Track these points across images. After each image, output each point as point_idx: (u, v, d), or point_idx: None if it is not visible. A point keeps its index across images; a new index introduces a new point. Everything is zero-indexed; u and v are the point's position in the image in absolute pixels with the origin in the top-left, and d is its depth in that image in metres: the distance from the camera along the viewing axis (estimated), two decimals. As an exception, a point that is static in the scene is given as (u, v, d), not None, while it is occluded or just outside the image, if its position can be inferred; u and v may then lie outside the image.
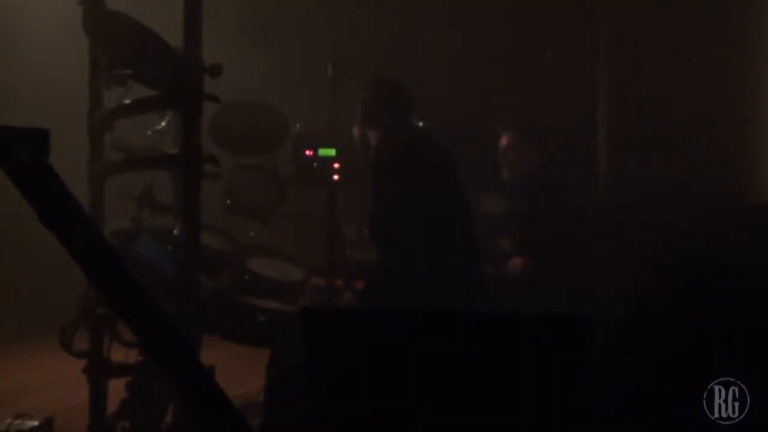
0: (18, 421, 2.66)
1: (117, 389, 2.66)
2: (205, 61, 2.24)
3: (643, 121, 4.18)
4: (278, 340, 2.57)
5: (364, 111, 3.02)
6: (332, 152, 3.54)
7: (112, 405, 2.64)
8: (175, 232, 2.74)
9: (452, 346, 1.43)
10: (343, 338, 1.48)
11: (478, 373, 1.42)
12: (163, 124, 3.06)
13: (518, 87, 4.60)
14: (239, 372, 3.38)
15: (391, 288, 2.56)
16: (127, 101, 2.51)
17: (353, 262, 3.59)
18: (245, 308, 2.70)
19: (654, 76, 4.15)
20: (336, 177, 3.56)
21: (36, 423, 2.66)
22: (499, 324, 1.47)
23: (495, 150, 3.66)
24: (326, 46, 4.78)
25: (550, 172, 3.46)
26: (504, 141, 3.60)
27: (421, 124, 3.77)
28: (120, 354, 2.64)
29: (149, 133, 3.06)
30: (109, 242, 1.33)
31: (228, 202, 3.29)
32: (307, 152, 3.60)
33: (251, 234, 3.42)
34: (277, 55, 4.95)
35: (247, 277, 2.91)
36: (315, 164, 3.60)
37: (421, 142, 2.92)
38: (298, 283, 3.07)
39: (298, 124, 3.71)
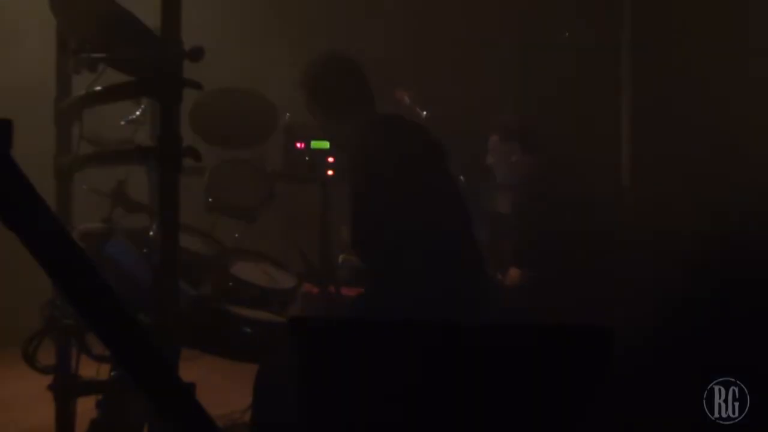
0: (-24, 444, 2.66)
1: (86, 408, 2.65)
2: (185, 44, 2.24)
3: (672, 115, 4.19)
4: (266, 354, 2.57)
5: (319, 99, 2.77)
6: (326, 145, 3.54)
7: (81, 426, 2.64)
8: (151, 233, 2.74)
9: (459, 361, 1.44)
10: (338, 352, 1.48)
11: (486, 389, 1.43)
12: (138, 113, 3.06)
13: (532, 72, 4.60)
14: (222, 389, 3.38)
15: (387, 299, 2.53)
16: (99, 88, 2.51)
17: (350, 267, 3.60)
18: (229, 318, 2.70)
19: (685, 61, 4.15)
20: (330, 172, 3.56)
21: (-4, 446, 2.66)
22: (510, 337, 1.48)
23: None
24: (320, 26, 4.80)
25: (543, 176, 3.46)
26: (490, 142, 3.63)
27: (424, 113, 3.78)
28: (90, 369, 2.64)
29: (123, 123, 3.06)
30: (77, 245, 1.33)
31: (210, 200, 3.29)
32: (299, 144, 3.61)
33: (236, 236, 3.43)
34: (266, 37, 4.96)
35: (231, 283, 2.91)
36: (307, 158, 3.60)
37: (397, 130, 2.73)
38: (288, 291, 3.07)
39: (288, 114, 3.72)
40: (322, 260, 3.42)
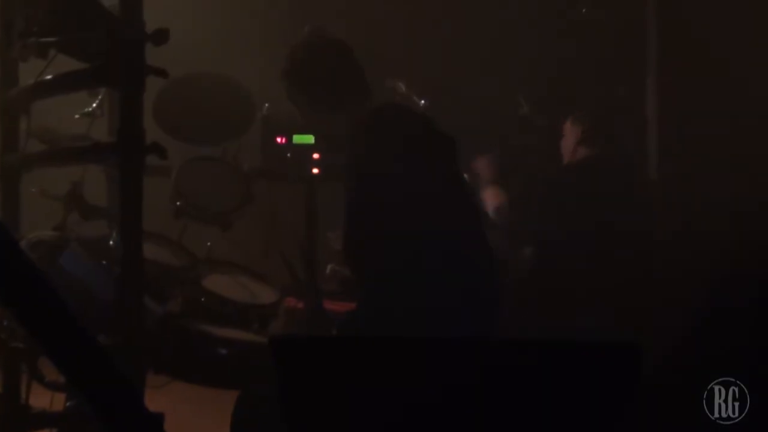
0: None
1: (38, 444, 2.65)
2: (147, 25, 2.24)
3: (703, 96, 4.21)
4: (244, 380, 2.57)
5: (306, 87, 2.70)
6: (310, 139, 3.55)
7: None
8: (112, 242, 2.74)
9: (465, 382, 1.44)
10: (329, 376, 1.48)
11: (502, 411, 1.43)
12: (94, 105, 3.07)
13: (542, 55, 4.62)
14: (194, 419, 3.38)
15: (386, 314, 2.53)
16: (49, 76, 2.51)
17: (338, 279, 3.59)
18: (201, 339, 2.70)
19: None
20: (315, 170, 3.56)
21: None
22: (523, 354, 1.48)
23: (521, 137, 3.70)
24: (302, 5, 4.80)
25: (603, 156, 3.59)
26: (565, 125, 3.74)
27: (422, 102, 3.78)
28: (42, 399, 2.64)
29: (77, 116, 3.06)
30: (27, 256, 1.33)
31: (178, 203, 3.29)
32: (279, 139, 3.61)
33: (208, 244, 3.42)
34: (241, 16, 4.95)
35: (203, 299, 2.91)
36: (289, 154, 3.60)
37: (401, 121, 2.68)
38: (268, 307, 3.07)
39: (266, 104, 3.71)
40: (308, 271, 3.42)
